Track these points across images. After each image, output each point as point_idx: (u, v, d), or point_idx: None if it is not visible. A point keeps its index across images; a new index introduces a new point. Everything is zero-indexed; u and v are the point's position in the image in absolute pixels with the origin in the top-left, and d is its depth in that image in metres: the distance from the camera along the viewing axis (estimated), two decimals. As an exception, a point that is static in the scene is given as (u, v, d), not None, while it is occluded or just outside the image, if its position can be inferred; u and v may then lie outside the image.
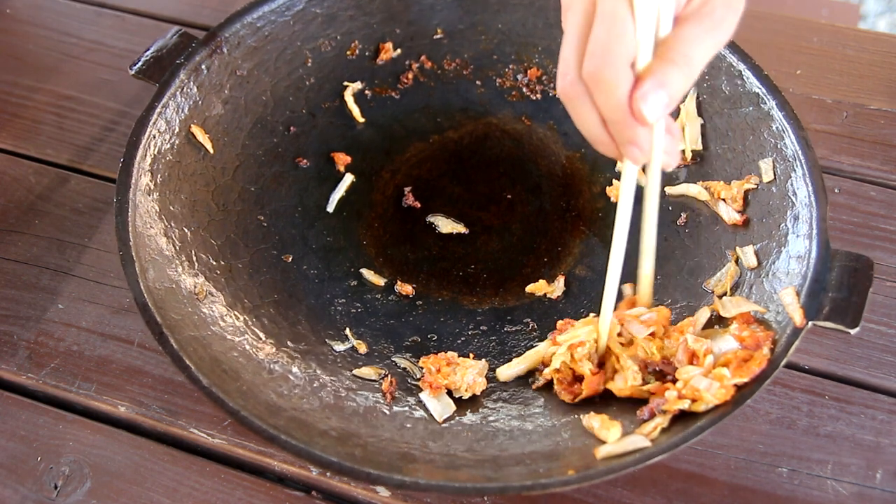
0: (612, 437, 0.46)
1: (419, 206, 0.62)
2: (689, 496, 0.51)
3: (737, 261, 0.53)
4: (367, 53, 0.67)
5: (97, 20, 0.77)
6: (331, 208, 0.62)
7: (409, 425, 0.49)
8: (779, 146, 0.54)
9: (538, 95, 0.67)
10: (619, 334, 0.50)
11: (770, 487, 0.51)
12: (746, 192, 0.55)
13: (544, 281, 0.57)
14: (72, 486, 0.51)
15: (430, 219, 0.62)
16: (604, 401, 0.50)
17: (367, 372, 0.53)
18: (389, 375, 0.52)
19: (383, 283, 0.58)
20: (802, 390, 0.55)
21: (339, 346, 0.54)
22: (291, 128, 0.64)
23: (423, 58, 0.68)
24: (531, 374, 0.53)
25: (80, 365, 0.56)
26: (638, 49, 0.39)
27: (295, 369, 0.51)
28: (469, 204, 0.63)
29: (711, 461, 0.52)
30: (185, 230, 0.55)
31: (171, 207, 0.55)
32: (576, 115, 0.42)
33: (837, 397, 0.54)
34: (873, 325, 0.57)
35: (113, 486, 0.51)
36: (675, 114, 0.61)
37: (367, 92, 0.67)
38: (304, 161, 0.63)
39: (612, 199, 0.61)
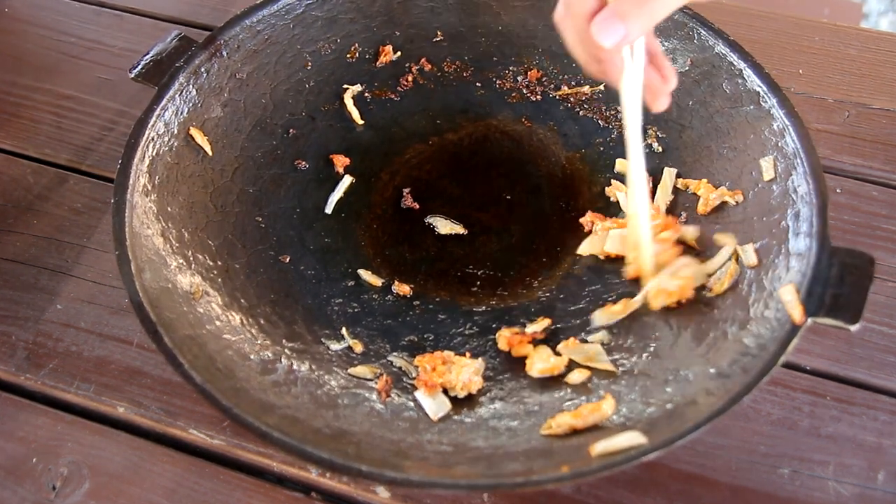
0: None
1: (418, 207, 0.62)
2: (690, 497, 0.51)
3: (737, 259, 0.53)
4: (366, 56, 0.67)
5: (96, 19, 0.77)
6: (329, 210, 0.62)
7: (403, 424, 0.49)
8: (779, 144, 0.54)
9: (538, 97, 0.67)
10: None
11: (771, 488, 0.51)
12: (723, 203, 0.56)
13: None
14: (70, 487, 0.51)
15: (429, 220, 0.62)
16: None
17: (362, 371, 0.53)
18: (384, 374, 0.52)
19: (381, 284, 0.58)
20: (804, 391, 0.54)
21: (335, 346, 0.54)
22: (291, 130, 0.64)
23: (422, 60, 0.68)
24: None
25: (79, 366, 0.56)
26: None
27: (290, 368, 0.51)
28: (468, 205, 0.62)
29: (712, 462, 0.52)
30: (183, 231, 0.55)
31: (169, 208, 0.54)
32: (562, 35, 0.48)
33: (839, 398, 0.54)
34: (875, 326, 0.57)
35: (112, 486, 0.51)
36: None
37: (366, 94, 0.67)
38: (303, 163, 0.63)
39: (612, 199, 0.61)
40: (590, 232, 0.59)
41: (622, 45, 0.44)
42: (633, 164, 0.51)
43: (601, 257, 0.58)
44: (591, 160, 0.64)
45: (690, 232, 0.56)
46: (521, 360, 0.53)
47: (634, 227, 0.53)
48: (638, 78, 0.48)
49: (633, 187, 0.52)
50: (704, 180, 0.58)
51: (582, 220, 0.59)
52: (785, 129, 0.53)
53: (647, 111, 0.63)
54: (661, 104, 0.50)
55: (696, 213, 0.57)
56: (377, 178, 0.64)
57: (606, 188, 0.62)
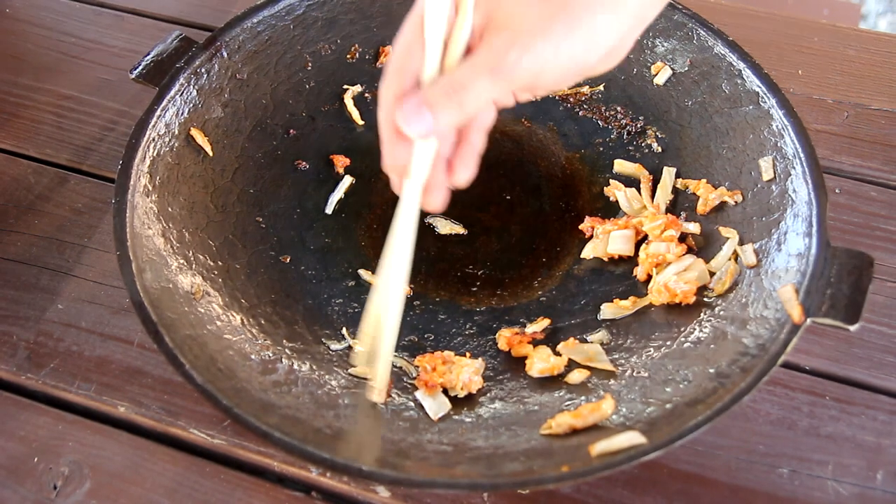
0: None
1: (418, 207, 0.62)
2: (689, 496, 0.51)
3: (736, 259, 0.53)
4: (367, 57, 0.67)
5: (96, 20, 0.77)
6: (329, 210, 0.62)
7: (403, 423, 0.49)
8: (778, 144, 0.54)
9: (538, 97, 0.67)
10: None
11: (770, 488, 0.51)
12: (723, 203, 0.56)
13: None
14: (71, 487, 0.51)
15: (429, 220, 0.62)
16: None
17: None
18: None
19: (381, 284, 0.58)
20: (803, 391, 0.54)
21: (336, 346, 0.54)
22: (291, 130, 0.64)
23: (422, 60, 0.68)
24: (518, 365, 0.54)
25: (80, 365, 0.56)
26: (424, 69, 0.40)
27: (290, 368, 0.51)
28: (468, 205, 0.62)
29: (712, 462, 0.52)
30: (184, 231, 0.55)
31: (170, 209, 0.55)
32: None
33: (838, 398, 0.54)
34: (874, 326, 0.57)
35: (112, 486, 0.51)
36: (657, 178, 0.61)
37: (366, 95, 0.67)
38: (304, 163, 0.63)
39: (612, 198, 0.61)
40: (591, 237, 0.59)
41: (428, 137, 0.40)
42: (395, 264, 0.47)
43: (605, 259, 0.58)
44: (591, 160, 0.64)
45: (692, 229, 0.56)
46: (521, 360, 0.54)
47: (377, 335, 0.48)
48: (419, 181, 0.44)
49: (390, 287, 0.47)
50: (704, 180, 0.58)
51: (581, 226, 0.60)
52: (784, 129, 0.53)
53: (648, 108, 0.63)
54: (432, 201, 0.45)
55: (695, 213, 0.57)
56: (377, 178, 0.64)
57: (605, 188, 0.62)
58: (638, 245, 0.58)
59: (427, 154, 0.42)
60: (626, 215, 0.60)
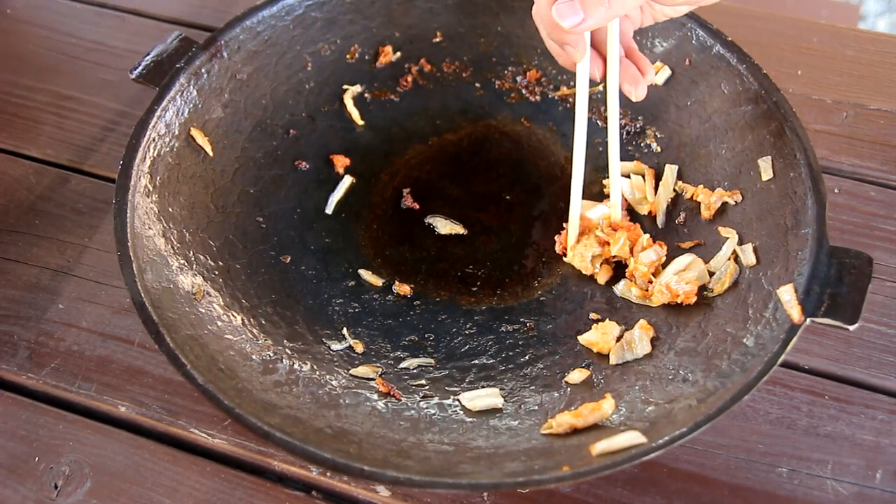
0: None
1: (418, 207, 0.62)
2: (688, 496, 0.51)
3: (735, 259, 0.53)
4: (366, 57, 0.67)
5: (98, 20, 0.77)
6: (329, 210, 0.62)
7: (404, 423, 0.49)
8: (777, 144, 0.54)
9: (537, 97, 0.67)
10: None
11: (770, 487, 0.51)
12: (724, 204, 0.56)
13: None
14: (72, 486, 0.51)
15: (429, 220, 0.62)
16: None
17: (363, 371, 0.53)
18: (379, 377, 0.53)
19: (381, 284, 0.58)
20: (802, 390, 0.55)
21: (336, 346, 0.55)
22: (291, 131, 0.64)
23: (422, 61, 0.68)
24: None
25: (81, 365, 0.56)
26: None
27: (291, 368, 0.51)
28: (468, 205, 0.63)
29: (711, 461, 0.52)
30: (184, 231, 0.55)
31: (170, 209, 0.55)
32: (537, 27, 0.51)
33: (837, 397, 0.54)
34: (873, 326, 0.57)
35: (113, 485, 0.51)
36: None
37: (366, 95, 0.67)
38: (304, 163, 0.63)
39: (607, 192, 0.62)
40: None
41: (580, 30, 0.47)
42: (577, 147, 0.55)
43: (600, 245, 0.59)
44: (590, 160, 0.64)
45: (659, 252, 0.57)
46: (522, 358, 0.54)
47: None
48: (614, 68, 0.53)
49: (575, 177, 0.56)
50: (700, 186, 0.58)
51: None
52: (783, 129, 0.54)
53: (647, 108, 0.63)
54: (640, 93, 0.53)
55: (697, 216, 0.57)
56: (377, 178, 0.64)
57: (604, 180, 0.62)
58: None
59: (611, 49, 0.52)
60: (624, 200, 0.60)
